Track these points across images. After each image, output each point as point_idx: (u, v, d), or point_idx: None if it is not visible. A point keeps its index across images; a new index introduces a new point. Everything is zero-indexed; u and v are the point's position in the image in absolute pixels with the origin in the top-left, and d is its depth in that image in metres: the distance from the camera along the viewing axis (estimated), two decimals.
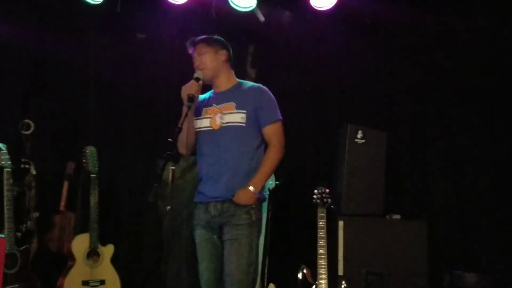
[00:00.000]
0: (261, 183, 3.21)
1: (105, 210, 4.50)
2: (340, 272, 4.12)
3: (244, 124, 3.23)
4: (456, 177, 4.58)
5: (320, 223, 3.97)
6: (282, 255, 4.37)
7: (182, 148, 3.31)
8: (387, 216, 4.28)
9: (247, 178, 3.20)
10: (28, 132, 4.75)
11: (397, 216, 4.27)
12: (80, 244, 4.16)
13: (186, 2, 4.51)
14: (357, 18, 4.62)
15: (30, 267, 4.02)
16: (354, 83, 4.73)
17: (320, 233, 3.95)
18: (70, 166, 4.56)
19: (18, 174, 4.61)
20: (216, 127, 3.26)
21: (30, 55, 4.77)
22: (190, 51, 3.36)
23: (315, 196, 3.98)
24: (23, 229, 4.51)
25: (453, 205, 4.55)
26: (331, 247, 4.12)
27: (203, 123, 3.32)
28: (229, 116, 3.24)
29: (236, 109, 3.25)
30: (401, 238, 4.19)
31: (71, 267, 4.13)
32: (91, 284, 4.14)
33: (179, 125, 3.14)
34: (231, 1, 4.48)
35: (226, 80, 3.36)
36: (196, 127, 3.33)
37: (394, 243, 4.17)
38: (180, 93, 3.22)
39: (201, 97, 3.41)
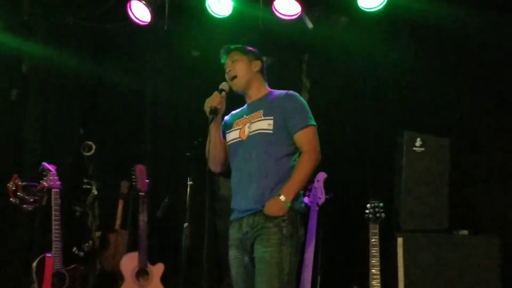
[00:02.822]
0: (293, 191, 2.99)
1: (157, 228, 4.50)
2: None
3: (271, 131, 3.06)
4: None
5: (373, 240, 3.68)
6: (334, 274, 4.10)
7: (212, 165, 3.21)
8: (453, 232, 3.90)
9: (278, 187, 3.00)
10: (90, 154, 4.91)
11: (465, 232, 3.89)
12: (128, 263, 4.18)
13: (231, 15, 4.42)
14: (413, 20, 4.28)
15: (79, 286, 4.07)
16: (412, 88, 4.37)
17: (373, 251, 3.66)
18: (124, 185, 4.64)
19: (80, 194, 4.77)
20: (244, 137, 3.14)
21: (88, 80, 4.95)
22: (223, 59, 3.28)
23: (367, 211, 3.70)
24: (85, 248, 4.64)
25: None
26: (389, 266, 3.83)
27: (233, 135, 3.21)
28: (256, 124, 3.11)
29: (263, 116, 3.10)
30: (470, 256, 3.82)
31: (120, 286, 4.14)
32: None
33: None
34: (276, 10, 4.33)
35: (257, 90, 3.25)
36: (227, 140, 3.22)
37: (462, 262, 3.82)
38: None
39: (236, 112, 3.32)
